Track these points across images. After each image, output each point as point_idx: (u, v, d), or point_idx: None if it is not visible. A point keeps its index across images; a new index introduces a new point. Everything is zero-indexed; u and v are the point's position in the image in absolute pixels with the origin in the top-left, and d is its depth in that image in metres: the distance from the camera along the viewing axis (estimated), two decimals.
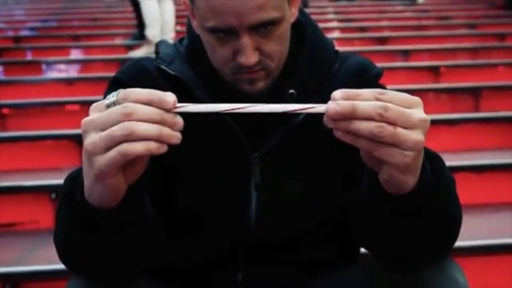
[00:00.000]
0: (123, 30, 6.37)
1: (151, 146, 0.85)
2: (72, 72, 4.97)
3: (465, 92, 3.97)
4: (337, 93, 0.86)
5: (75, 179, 0.99)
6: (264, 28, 1.10)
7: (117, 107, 0.85)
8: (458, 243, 1.10)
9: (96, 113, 0.87)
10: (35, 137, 3.23)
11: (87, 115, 0.88)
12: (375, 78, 1.23)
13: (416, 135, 0.86)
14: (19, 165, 3.10)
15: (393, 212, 0.98)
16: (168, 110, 0.86)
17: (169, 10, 5.57)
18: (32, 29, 6.87)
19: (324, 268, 1.25)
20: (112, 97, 0.87)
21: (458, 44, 5.60)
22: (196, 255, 1.23)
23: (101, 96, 0.94)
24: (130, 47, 5.59)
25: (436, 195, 0.98)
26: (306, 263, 1.25)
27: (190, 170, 1.19)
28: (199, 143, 1.18)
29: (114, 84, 1.18)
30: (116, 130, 0.84)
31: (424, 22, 6.90)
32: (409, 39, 5.81)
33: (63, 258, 1.06)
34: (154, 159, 0.91)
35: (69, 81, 4.39)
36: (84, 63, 5.07)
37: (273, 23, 1.10)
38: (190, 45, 1.24)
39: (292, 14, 1.17)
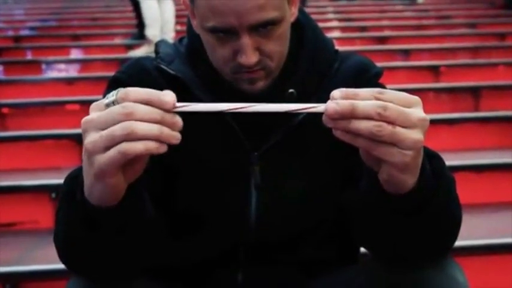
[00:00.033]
0: (123, 30, 6.37)
1: (151, 146, 0.85)
2: (72, 71, 4.97)
3: (465, 91, 3.97)
4: (336, 93, 0.86)
5: (75, 179, 0.99)
6: (264, 28, 1.10)
7: (117, 106, 0.85)
8: (458, 243, 1.10)
9: (96, 112, 0.87)
10: (34, 137, 3.23)
11: (87, 114, 0.88)
12: (375, 77, 1.23)
13: (415, 135, 0.86)
14: (19, 164, 3.10)
15: (393, 212, 0.98)
16: (168, 110, 0.86)
17: (169, 10, 5.57)
18: (31, 28, 6.87)
19: (324, 268, 1.25)
20: (111, 96, 0.87)
21: (458, 43, 5.60)
22: (196, 255, 1.23)
23: (101, 96, 0.94)
24: (130, 47, 5.59)
25: (436, 194, 0.98)
26: (306, 263, 1.25)
27: (190, 170, 1.19)
28: (199, 143, 1.18)
29: (114, 83, 1.18)
30: (116, 130, 0.84)
31: (424, 22, 6.90)
32: (409, 38, 5.81)
33: (63, 258, 1.06)
34: (153, 159, 0.91)
35: (69, 81, 4.39)
36: (84, 63, 5.07)
37: (273, 23, 1.10)
38: (190, 44, 1.24)
39: (292, 13, 1.17)
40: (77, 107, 3.64)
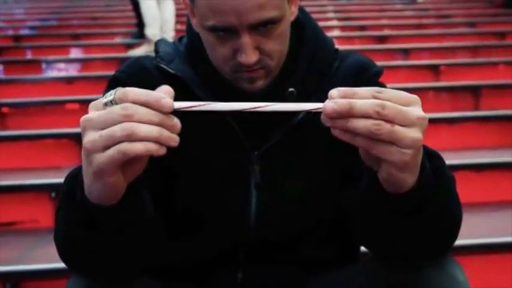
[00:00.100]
0: (123, 29, 6.37)
1: (151, 147, 0.84)
2: (72, 71, 4.97)
3: (465, 90, 3.97)
4: (334, 92, 0.86)
5: (75, 178, 0.99)
6: (264, 27, 1.10)
7: (117, 107, 0.85)
8: (459, 242, 1.10)
9: (94, 111, 0.87)
10: (34, 136, 3.23)
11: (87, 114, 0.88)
12: (374, 76, 1.23)
13: (414, 133, 0.86)
14: (19, 164, 3.10)
15: (393, 211, 0.98)
16: (167, 112, 0.86)
17: (170, 9, 5.57)
18: (31, 28, 6.87)
19: (324, 267, 1.25)
20: (110, 95, 0.87)
21: (458, 42, 5.60)
22: (196, 254, 1.23)
23: (101, 95, 0.94)
24: (130, 46, 5.60)
25: (436, 193, 0.98)
26: (306, 262, 1.25)
27: (189, 170, 1.19)
28: (198, 143, 1.17)
29: (114, 82, 1.18)
30: (117, 130, 0.84)
31: (424, 21, 6.90)
32: (409, 37, 5.81)
33: (63, 257, 1.06)
34: (152, 161, 0.91)
35: (69, 80, 4.39)
36: (84, 62, 5.07)
37: (273, 22, 1.10)
38: (189, 43, 1.24)
39: (292, 12, 1.17)
40: (77, 106, 3.64)
